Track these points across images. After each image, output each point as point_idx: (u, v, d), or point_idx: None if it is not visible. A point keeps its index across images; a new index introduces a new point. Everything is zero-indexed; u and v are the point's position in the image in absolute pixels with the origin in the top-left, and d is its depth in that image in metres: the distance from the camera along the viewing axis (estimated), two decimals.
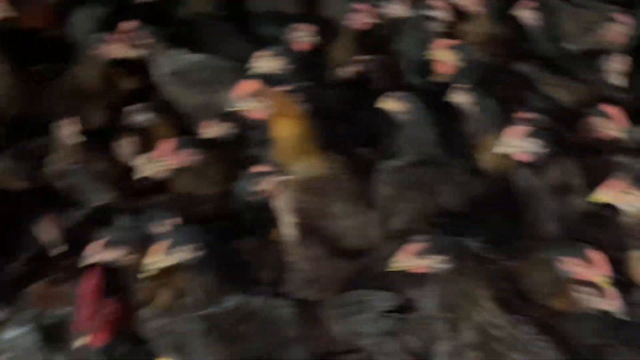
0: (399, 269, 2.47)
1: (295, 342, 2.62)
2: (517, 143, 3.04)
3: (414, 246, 2.44)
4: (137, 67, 4.26)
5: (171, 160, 3.15)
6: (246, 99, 3.02)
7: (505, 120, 3.41)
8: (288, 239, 3.10)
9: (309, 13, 4.96)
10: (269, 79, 3.39)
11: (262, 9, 4.93)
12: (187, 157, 3.19)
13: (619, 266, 2.84)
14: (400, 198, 3.23)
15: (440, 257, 2.41)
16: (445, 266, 2.41)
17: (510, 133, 3.05)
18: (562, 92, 3.95)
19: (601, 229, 3.03)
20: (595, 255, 2.52)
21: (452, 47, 3.65)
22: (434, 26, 4.09)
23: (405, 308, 2.69)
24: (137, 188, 3.49)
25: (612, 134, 3.51)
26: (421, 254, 2.42)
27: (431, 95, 3.68)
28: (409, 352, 2.70)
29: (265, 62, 3.69)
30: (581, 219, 3.10)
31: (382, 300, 2.66)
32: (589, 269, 2.51)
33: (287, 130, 2.98)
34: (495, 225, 3.09)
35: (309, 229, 3.05)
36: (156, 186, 3.45)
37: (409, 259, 2.44)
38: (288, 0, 4.94)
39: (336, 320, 2.69)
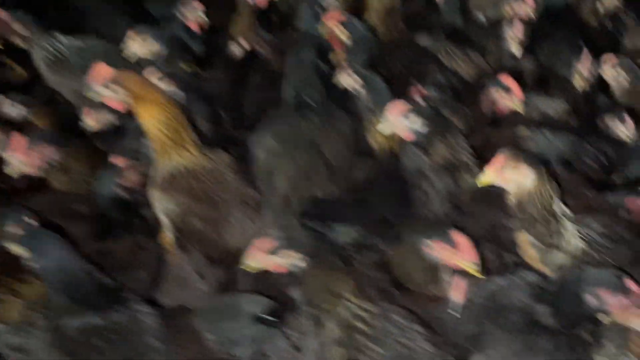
0: (253, 269, 2.30)
1: (159, 353, 2.41)
2: (399, 121, 2.88)
3: (266, 243, 2.26)
4: (19, 56, 4.01)
5: (25, 158, 2.90)
6: (102, 86, 2.79)
7: (396, 98, 3.29)
8: (165, 239, 2.92)
9: None
10: (139, 63, 3.19)
11: None
12: (42, 154, 2.95)
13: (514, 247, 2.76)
14: (281, 154, 3.08)
15: (295, 254, 2.24)
16: (302, 262, 2.24)
17: (393, 111, 2.89)
18: (463, 64, 3.82)
19: (492, 209, 2.90)
20: (461, 239, 2.38)
21: (341, 23, 3.46)
22: (330, 1, 3.89)
23: (281, 307, 2.51)
24: (11, 186, 3.26)
25: (510, 106, 3.39)
26: (274, 251, 2.25)
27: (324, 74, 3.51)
28: (295, 347, 2.55)
29: (140, 45, 3.44)
30: (472, 199, 2.97)
31: (255, 303, 2.46)
32: (455, 254, 2.38)
33: (150, 118, 2.75)
34: (382, 208, 2.96)
35: (187, 228, 2.86)
36: (33, 184, 3.23)
37: (262, 257, 2.27)
38: None
39: (208, 328, 2.49)
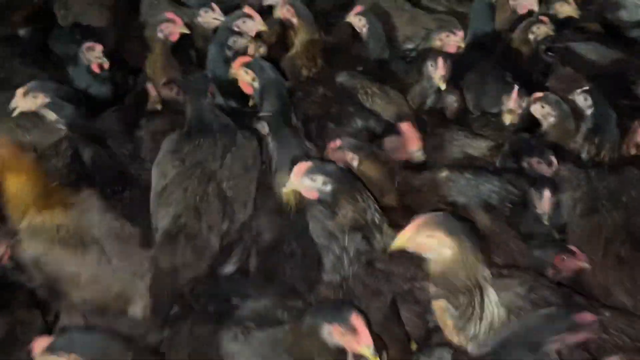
0: None
1: None
2: (304, 182, 2.66)
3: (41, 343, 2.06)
4: None
5: None
6: None
7: (309, 147, 3.10)
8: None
9: (125, 24, 4.50)
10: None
11: (69, 21, 4.41)
12: None
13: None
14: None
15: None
16: None
17: (297, 172, 2.67)
18: (382, 104, 3.63)
19: (409, 268, 2.66)
20: (360, 324, 2.18)
21: (247, 65, 3.24)
22: (241, 42, 3.66)
23: None
24: None
25: (408, 153, 3.22)
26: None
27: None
28: None
29: (28, 102, 3.14)
30: (387, 258, 2.73)
31: None
32: (354, 339, 2.18)
33: (16, 186, 2.60)
34: (289, 276, 2.77)
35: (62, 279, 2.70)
36: None
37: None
38: (99, 11, 4.44)
39: None
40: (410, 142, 3.16)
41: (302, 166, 2.66)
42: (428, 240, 2.33)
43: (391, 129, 3.32)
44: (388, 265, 2.70)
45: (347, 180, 2.68)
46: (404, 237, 2.35)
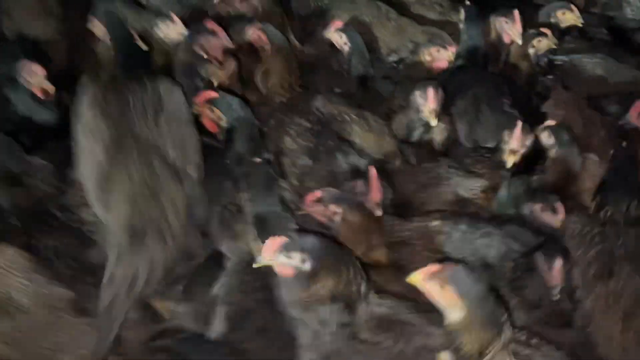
0: None
1: None
2: (277, 259, 2.29)
3: None
4: None
5: None
6: None
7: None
8: None
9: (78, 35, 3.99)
10: None
11: (13, 33, 3.89)
12: None
13: None
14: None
15: None
16: None
17: (270, 248, 2.30)
18: (361, 132, 3.22)
19: (397, 339, 2.34)
20: None
21: (212, 102, 2.82)
22: (211, 68, 3.19)
23: None
24: None
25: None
26: None
27: None
28: None
29: None
30: (374, 328, 2.37)
31: None
32: None
33: None
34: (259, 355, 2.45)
35: None
36: None
37: None
38: (46, 21, 3.90)
39: None
40: (372, 193, 2.75)
41: (276, 241, 2.29)
42: (439, 291, 2.14)
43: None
44: (373, 335, 2.37)
45: (330, 255, 2.31)
46: (417, 277, 2.18)
